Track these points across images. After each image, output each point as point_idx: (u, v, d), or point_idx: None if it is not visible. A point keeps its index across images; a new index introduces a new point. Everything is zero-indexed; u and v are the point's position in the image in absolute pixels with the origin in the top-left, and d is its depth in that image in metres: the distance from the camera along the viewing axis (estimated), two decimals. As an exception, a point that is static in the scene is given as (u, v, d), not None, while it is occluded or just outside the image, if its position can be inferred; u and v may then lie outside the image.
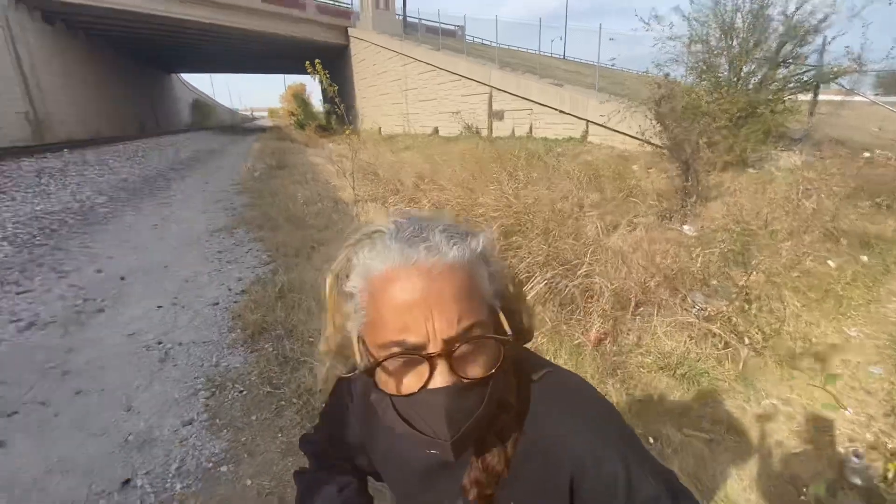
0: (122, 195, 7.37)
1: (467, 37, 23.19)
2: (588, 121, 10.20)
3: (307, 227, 4.93)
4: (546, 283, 3.14)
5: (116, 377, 2.28)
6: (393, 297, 0.42)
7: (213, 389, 2.12)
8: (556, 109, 11.25)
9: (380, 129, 21.19)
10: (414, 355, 0.42)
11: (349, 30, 23.98)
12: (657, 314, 2.77)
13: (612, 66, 11.26)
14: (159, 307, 3.10)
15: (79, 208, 6.15)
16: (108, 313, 3.03)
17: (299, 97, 39.09)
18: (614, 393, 2.18)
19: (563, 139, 10.58)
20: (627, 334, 2.65)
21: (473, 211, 4.33)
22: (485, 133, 14.45)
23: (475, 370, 0.44)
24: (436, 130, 17.42)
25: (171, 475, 1.65)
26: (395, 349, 0.43)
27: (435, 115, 17.62)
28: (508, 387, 0.51)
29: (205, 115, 50.87)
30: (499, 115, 14.01)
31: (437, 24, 21.59)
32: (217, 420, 1.92)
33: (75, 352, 2.53)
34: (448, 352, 0.42)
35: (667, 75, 6.12)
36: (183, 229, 5.26)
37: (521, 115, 12.90)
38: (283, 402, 1.99)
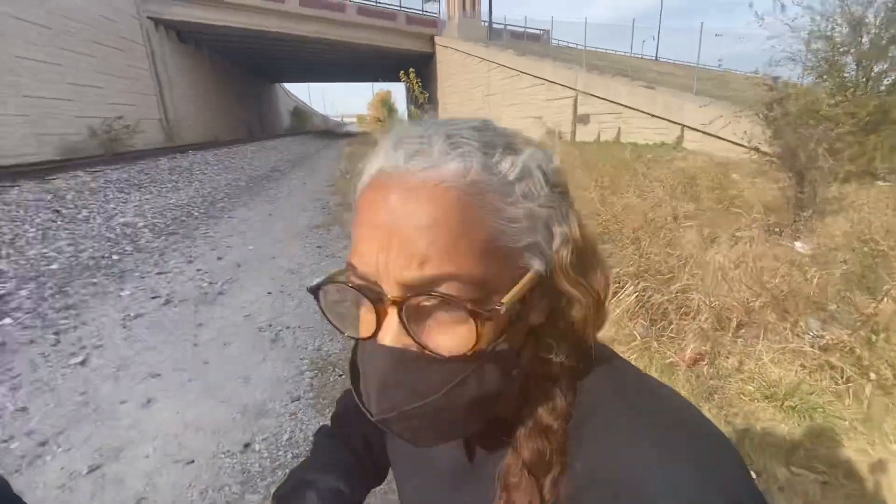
0: (237, 192, 8.30)
1: (553, 40, 22.81)
2: (683, 125, 9.55)
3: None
4: (636, 296, 3.03)
5: (236, 352, 2.61)
6: (361, 212, 0.33)
7: (317, 371, 2.36)
8: (646, 113, 10.68)
9: (461, 133, 21.54)
10: (358, 289, 0.33)
11: (435, 38, 24.71)
12: (763, 338, 2.55)
13: (718, 67, 10.41)
14: (269, 293, 3.48)
15: (202, 202, 7.06)
16: (228, 296, 3.46)
17: (386, 103, 41.05)
18: (710, 419, 2.05)
19: (654, 144, 10.01)
20: (727, 357, 2.48)
21: None
22: (568, 137, 14.12)
23: (438, 342, 0.31)
24: (517, 135, 17.35)
25: (282, 444, 1.87)
26: (348, 274, 0.34)
27: (517, 119, 17.55)
28: (531, 396, 0.36)
29: (302, 120, 55.37)
30: (584, 120, 13.60)
31: (523, 29, 21.53)
32: (321, 399, 2.13)
33: (203, 327, 2.93)
34: (401, 302, 0.31)
35: (776, 78, 5.56)
36: (287, 224, 5.82)
37: (608, 120, 12.42)
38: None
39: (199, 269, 4.05)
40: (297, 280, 3.80)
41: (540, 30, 26.43)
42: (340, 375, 2.31)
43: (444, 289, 0.30)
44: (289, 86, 57.49)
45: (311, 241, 5.03)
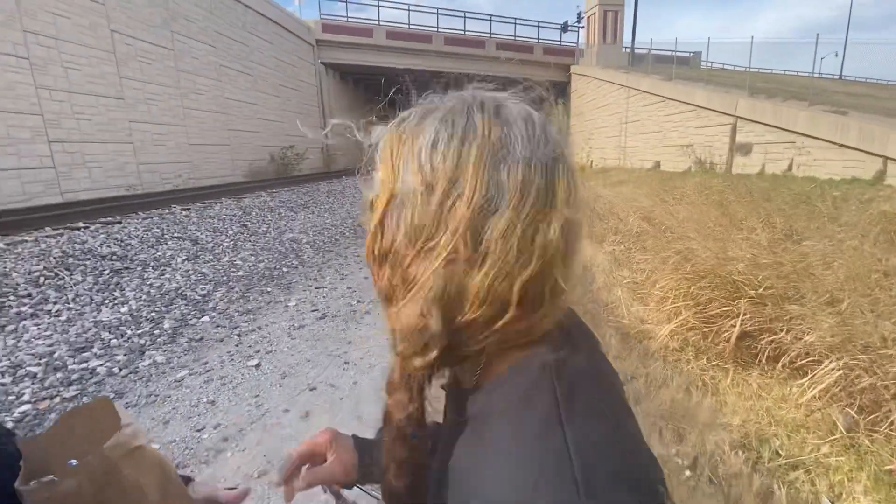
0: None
1: (705, 63, 20.81)
2: (886, 157, 7.74)
3: (528, 261, 5.08)
4: (838, 375, 2.43)
5: (378, 376, 2.73)
6: None
7: (456, 410, 2.33)
8: (832, 143, 8.93)
9: (591, 161, 20.72)
10: None
11: (572, 67, 24.45)
12: None
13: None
14: (408, 319, 3.63)
15: (351, 223, 7.87)
16: (373, 316, 3.70)
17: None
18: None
19: (843, 180, 8.28)
20: None
21: (724, 267, 3.71)
22: (721, 169, 12.54)
23: None
24: (657, 164, 16.03)
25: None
26: None
27: (657, 148, 16.25)
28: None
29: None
30: (744, 149, 11.96)
31: (670, 53, 20.08)
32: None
33: (352, 345, 3.16)
34: None
35: None
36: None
37: (777, 150, 10.72)
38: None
39: (349, 287, 4.44)
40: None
41: (689, 52, 24.43)
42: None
43: None
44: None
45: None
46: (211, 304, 3.89)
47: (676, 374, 2.70)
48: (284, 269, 5.02)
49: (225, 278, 4.61)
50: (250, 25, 15.96)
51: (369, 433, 2.21)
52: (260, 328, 3.44)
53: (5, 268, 4.06)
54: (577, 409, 0.33)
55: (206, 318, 3.60)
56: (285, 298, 4.11)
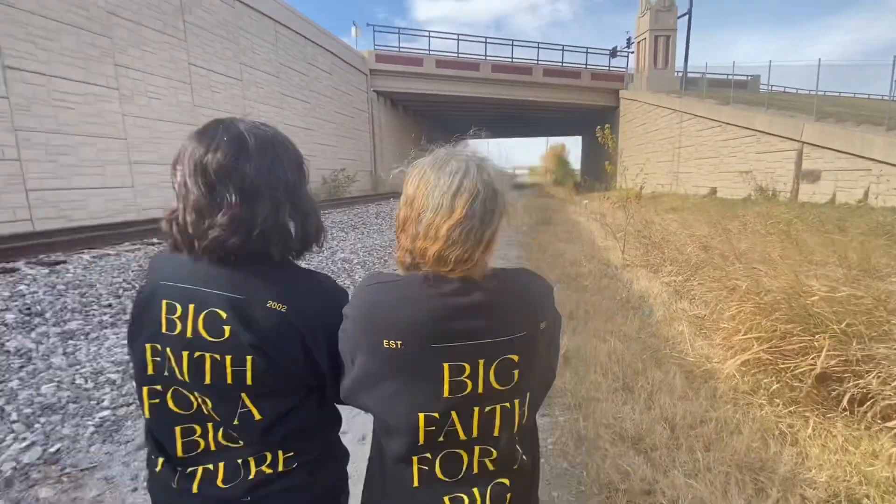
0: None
1: (765, 86, 19.91)
2: None
3: (580, 290, 4.95)
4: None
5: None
6: None
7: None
8: (918, 171, 8.24)
9: (641, 187, 20.15)
10: None
11: (620, 92, 24.15)
12: None
13: None
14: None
15: (398, 246, 8.00)
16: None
17: (560, 157, 41.45)
18: None
19: (932, 212, 7.57)
20: None
21: (800, 299, 3.43)
22: (786, 197, 11.81)
23: None
24: (713, 191, 15.34)
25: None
26: None
27: (713, 174, 15.59)
28: None
29: (478, 171, 59.96)
30: (812, 176, 11.24)
31: (726, 77, 19.43)
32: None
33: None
34: None
35: None
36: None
37: (851, 177, 10.00)
38: (583, 488, 1.93)
39: (398, 310, 4.48)
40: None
41: (748, 76, 23.54)
42: (539, 458, 2.16)
43: None
44: (470, 142, 63.16)
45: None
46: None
47: (749, 419, 2.50)
48: (337, 289, 5.15)
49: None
50: (311, 57, 17.03)
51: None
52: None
53: (91, 279, 4.44)
54: (366, 286, 0.73)
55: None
56: (339, 318, 4.21)
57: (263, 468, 0.74)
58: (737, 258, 4.57)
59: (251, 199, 0.72)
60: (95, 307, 3.92)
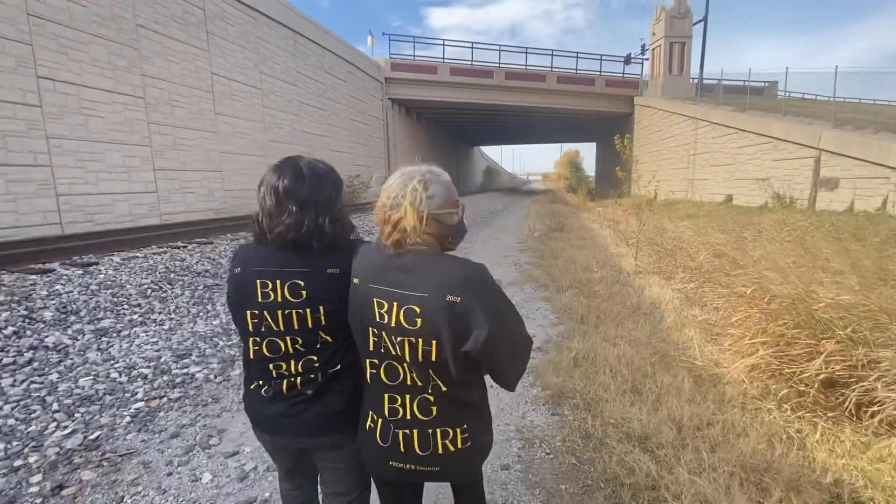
0: (437, 243, 9.33)
1: (782, 92, 19.66)
2: None
3: (591, 295, 5.01)
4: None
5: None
6: None
7: (524, 442, 2.35)
8: (940, 179, 8.10)
9: (655, 194, 20.02)
10: None
11: (635, 98, 24.09)
12: None
13: None
14: (471, 347, 3.70)
15: (412, 251, 8.13)
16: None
17: (574, 163, 41.35)
18: None
19: (955, 220, 7.43)
20: None
21: (806, 305, 3.45)
22: (803, 204, 11.66)
23: None
24: (729, 198, 15.19)
25: (495, 511, 1.89)
26: None
27: (729, 181, 15.44)
28: None
29: (491, 179, 60.12)
30: (830, 184, 11.10)
31: (743, 83, 19.24)
32: (530, 475, 2.10)
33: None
34: None
35: None
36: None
37: (870, 185, 9.86)
38: (589, 482, 2.01)
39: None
40: (495, 337, 3.96)
41: (765, 82, 23.28)
42: (548, 454, 2.25)
43: None
44: (483, 147, 63.52)
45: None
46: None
47: (757, 423, 2.54)
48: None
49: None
50: (327, 66, 17.39)
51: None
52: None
53: (121, 280, 4.66)
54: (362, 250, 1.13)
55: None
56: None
57: (326, 380, 1.16)
58: (750, 265, 4.58)
59: (302, 210, 1.10)
60: (126, 307, 4.13)
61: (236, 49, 12.43)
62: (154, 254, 5.94)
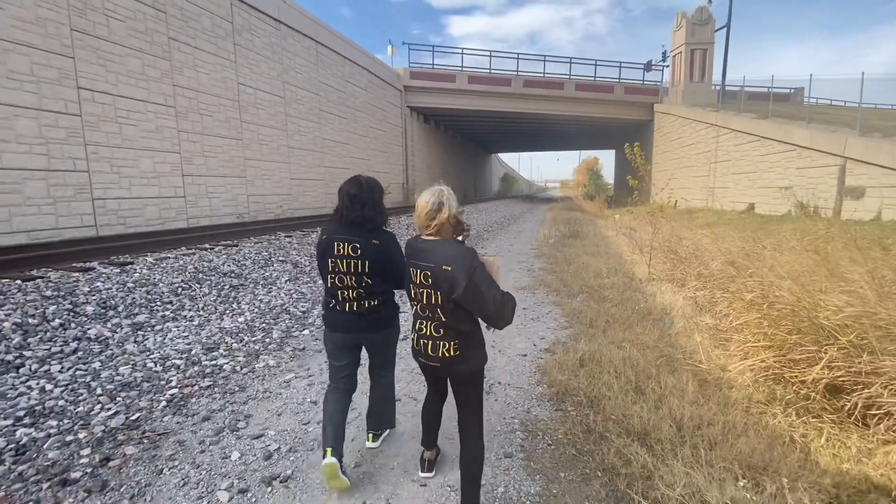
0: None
1: (808, 99, 19.30)
2: None
3: (602, 300, 5.09)
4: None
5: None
6: None
7: (528, 434, 2.48)
8: (969, 188, 7.89)
9: (675, 202, 19.79)
10: None
11: (655, 105, 23.93)
12: None
13: None
14: (482, 347, 3.85)
15: (427, 255, 8.32)
16: (449, 343, 3.97)
17: (592, 170, 41.09)
18: None
19: (984, 231, 7.23)
20: None
21: (807, 310, 3.47)
22: (827, 213, 11.43)
23: None
24: (751, 207, 14.95)
25: (498, 497, 2.02)
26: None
27: (751, 189, 15.21)
28: None
29: (508, 185, 60.12)
30: (856, 193, 10.87)
31: (766, 90, 18.94)
32: (531, 463, 2.23)
33: (431, 367, 3.43)
34: None
35: None
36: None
37: (897, 194, 9.63)
38: (587, 471, 2.13)
39: (426, 314, 4.77)
40: (505, 337, 4.09)
41: (790, 89, 22.85)
42: (549, 445, 2.37)
43: None
44: (501, 154, 63.57)
45: (518, 302, 5.33)
46: (310, 320, 4.42)
47: (760, 426, 2.60)
48: (370, 294, 5.50)
49: (320, 298, 5.18)
50: (348, 75, 17.86)
51: (446, 445, 2.43)
52: (350, 344, 3.86)
53: (154, 279, 4.96)
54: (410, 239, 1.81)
55: (306, 332, 4.10)
56: (371, 320, 4.54)
57: (370, 302, 2.03)
58: (764, 272, 4.59)
59: (362, 206, 1.96)
60: (158, 303, 4.41)
61: (261, 60, 12.92)
62: (183, 255, 6.26)
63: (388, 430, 2.51)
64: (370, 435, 2.41)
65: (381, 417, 2.42)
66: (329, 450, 1.93)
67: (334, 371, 2.15)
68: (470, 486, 1.81)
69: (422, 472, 2.15)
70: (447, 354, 1.69)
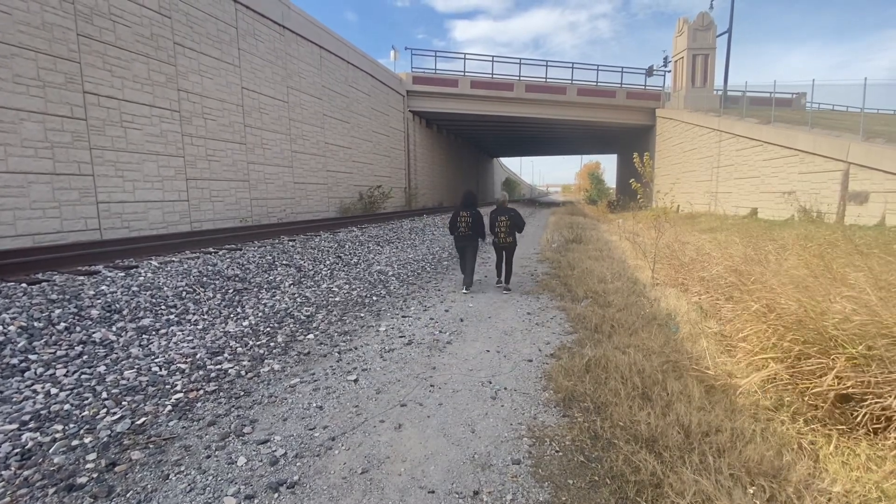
0: (455, 253, 9.50)
1: (810, 104, 19.30)
2: None
3: (606, 306, 5.08)
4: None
5: (462, 402, 2.95)
6: None
7: (534, 440, 2.46)
8: (974, 194, 7.86)
9: (678, 207, 19.77)
10: None
11: (657, 110, 23.96)
12: None
13: None
14: (487, 351, 3.84)
15: (431, 259, 8.34)
16: (454, 346, 3.96)
17: (594, 175, 41.13)
18: None
19: None
20: None
21: (814, 320, 3.45)
22: (830, 218, 11.41)
23: None
24: (753, 212, 14.94)
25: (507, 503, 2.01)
26: None
27: (754, 194, 15.20)
28: None
29: (510, 190, 60.22)
30: (860, 198, 10.85)
31: (768, 95, 18.96)
32: (539, 470, 2.21)
33: (437, 371, 3.42)
34: None
35: None
36: (499, 288, 6.34)
37: (901, 199, 9.61)
38: (596, 479, 2.11)
39: (431, 318, 4.77)
40: (510, 342, 4.08)
41: (792, 94, 22.86)
42: (557, 451, 2.35)
43: None
44: (503, 159, 63.67)
45: (522, 306, 5.33)
46: (314, 325, 4.42)
47: (769, 433, 2.58)
48: (374, 298, 5.51)
49: (324, 302, 5.18)
50: (351, 80, 17.94)
51: (453, 451, 2.44)
52: (356, 348, 3.86)
53: (159, 282, 4.96)
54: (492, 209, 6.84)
55: (311, 336, 4.10)
56: (376, 324, 4.54)
57: (469, 233, 6.24)
58: (760, 281, 4.58)
59: (470, 203, 6.36)
60: (163, 307, 4.41)
61: (265, 64, 12.99)
62: (188, 258, 6.27)
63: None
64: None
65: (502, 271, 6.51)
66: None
67: (461, 257, 6.41)
68: (508, 271, 6.39)
69: (497, 285, 6.48)
70: (508, 241, 6.25)
